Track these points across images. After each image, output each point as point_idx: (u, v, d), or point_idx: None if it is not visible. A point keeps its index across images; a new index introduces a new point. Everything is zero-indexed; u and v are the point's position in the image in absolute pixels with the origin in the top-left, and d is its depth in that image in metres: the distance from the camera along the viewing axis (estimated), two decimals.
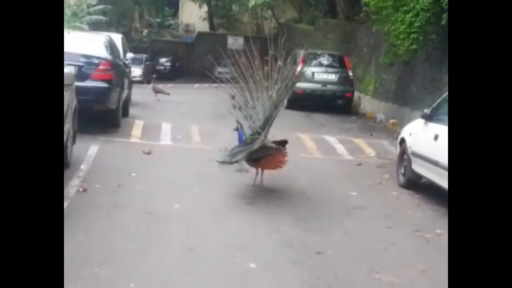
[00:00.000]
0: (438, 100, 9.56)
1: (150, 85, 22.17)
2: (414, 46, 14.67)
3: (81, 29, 25.07)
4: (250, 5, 31.51)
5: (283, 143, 9.07)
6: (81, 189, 8.03)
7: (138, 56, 30.80)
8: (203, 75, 20.21)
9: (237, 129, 9.13)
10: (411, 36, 14.44)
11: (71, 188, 8.05)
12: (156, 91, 20.96)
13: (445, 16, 12.92)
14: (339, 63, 20.92)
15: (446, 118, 8.16)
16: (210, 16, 43.79)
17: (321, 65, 20.88)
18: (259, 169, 9.07)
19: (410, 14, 14.32)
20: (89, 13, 29.05)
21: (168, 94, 20.31)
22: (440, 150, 8.28)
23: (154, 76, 24.49)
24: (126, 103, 15.19)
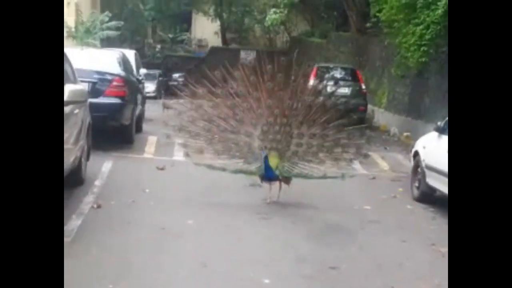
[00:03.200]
0: None
1: (161, 101, 22.30)
2: (424, 59, 14.69)
3: (94, 45, 25.25)
4: (267, 24, 31.42)
5: None
6: (95, 206, 8.04)
7: (152, 71, 30.92)
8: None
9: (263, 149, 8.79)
10: (421, 48, 14.45)
11: (85, 204, 8.07)
12: (167, 107, 21.03)
13: None
14: (352, 76, 20.91)
15: None
16: (223, 31, 43.95)
17: (333, 78, 20.87)
18: (278, 184, 9.01)
19: (421, 27, 14.34)
20: (102, 29, 29.21)
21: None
22: None
23: (162, 92, 24.71)
24: (140, 119, 15.24)
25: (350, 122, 9.28)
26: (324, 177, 9.23)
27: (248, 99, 8.94)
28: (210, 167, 9.08)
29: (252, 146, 8.91)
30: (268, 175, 8.79)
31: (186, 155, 9.25)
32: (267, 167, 8.65)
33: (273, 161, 8.69)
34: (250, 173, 9.09)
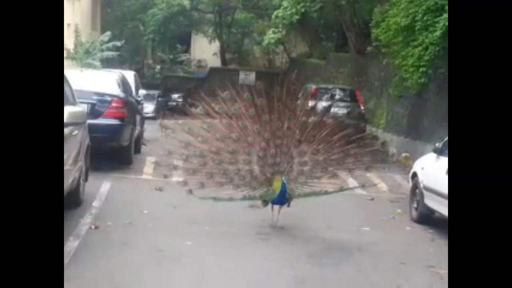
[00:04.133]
0: None
1: (158, 121, 22.36)
2: (422, 80, 14.73)
3: (93, 66, 25.30)
4: (264, 43, 31.43)
5: None
6: (93, 227, 8.03)
7: (151, 92, 31.00)
8: None
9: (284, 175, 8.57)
10: (420, 69, 14.49)
11: (83, 225, 8.05)
12: (165, 128, 21.06)
13: None
14: (351, 97, 20.97)
15: None
16: (222, 52, 44.13)
17: (333, 99, 20.92)
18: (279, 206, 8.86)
19: (419, 48, 14.38)
20: (102, 50, 29.27)
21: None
22: None
23: (162, 112, 24.82)
24: (138, 140, 15.25)
25: (355, 131, 9.18)
26: (342, 189, 9.14)
27: (235, 129, 8.78)
28: (217, 199, 8.82)
29: (254, 172, 8.77)
30: (279, 200, 8.64)
31: (189, 192, 8.85)
32: (284, 192, 8.48)
33: (279, 185, 8.48)
34: (260, 198, 8.91)
